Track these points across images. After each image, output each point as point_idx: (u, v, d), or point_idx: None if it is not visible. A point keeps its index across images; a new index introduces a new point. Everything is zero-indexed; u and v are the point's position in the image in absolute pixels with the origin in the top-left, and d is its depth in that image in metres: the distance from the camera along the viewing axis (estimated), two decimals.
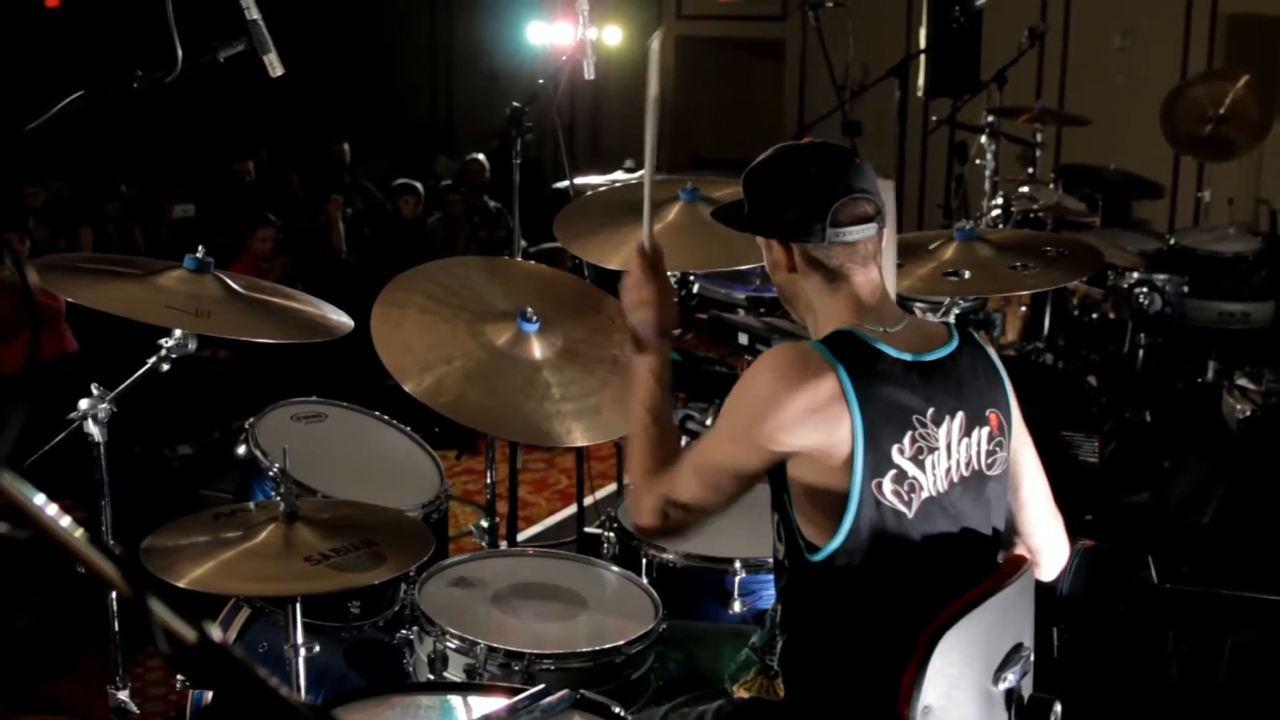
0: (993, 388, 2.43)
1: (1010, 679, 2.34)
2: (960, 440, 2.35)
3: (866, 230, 2.37)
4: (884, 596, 2.30)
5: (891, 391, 2.28)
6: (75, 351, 6.33)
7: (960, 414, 2.35)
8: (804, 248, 2.37)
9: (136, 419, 3.16)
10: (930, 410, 2.31)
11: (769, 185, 2.42)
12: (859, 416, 2.23)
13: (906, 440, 2.28)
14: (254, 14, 2.65)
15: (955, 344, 2.40)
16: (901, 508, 2.29)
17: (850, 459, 2.24)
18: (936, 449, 2.31)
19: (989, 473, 2.41)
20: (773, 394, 2.27)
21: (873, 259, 2.41)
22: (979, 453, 2.38)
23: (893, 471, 2.27)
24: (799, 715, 2.40)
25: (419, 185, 9.21)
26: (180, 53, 2.53)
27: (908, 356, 2.32)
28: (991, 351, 2.48)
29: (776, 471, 2.34)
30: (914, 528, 2.30)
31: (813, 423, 2.25)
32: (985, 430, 2.39)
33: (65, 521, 1.11)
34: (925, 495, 2.31)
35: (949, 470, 2.33)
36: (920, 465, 2.30)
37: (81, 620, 4.71)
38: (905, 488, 2.29)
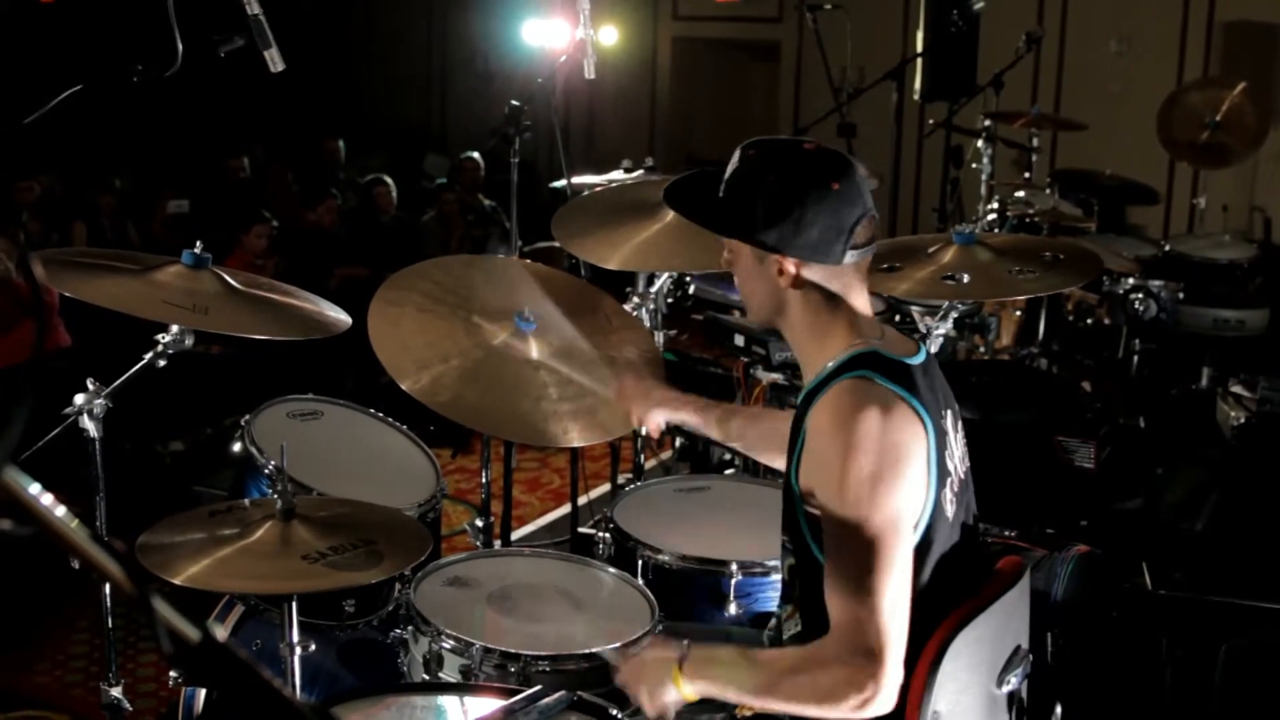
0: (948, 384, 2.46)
1: (1013, 681, 2.35)
2: (957, 436, 2.37)
3: (872, 250, 2.35)
4: (925, 603, 2.26)
5: (929, 399, 2.27)
6: (68, 347, 6.31)
7: (949, 412, 2.36)
8: (814, 267, 2.30)
9: (127, 414, 3.14)
10: (941, 411, 2.32)
11: (783, 194, 2.27)
12: (933, 431, 2.22)
13: (951, 443, 2.30)
14: (255, 9, 2.64)
15: (925, 349, 2.40)
16: (950, 512, 2.29)
17: (928, 475, 2.22)
18: (953, 448, 2.33)
19: (968, 462, 2.44)
20: (879, 448, 2.17)
21: (865, 276, 2.38)
22: (964, 445, 2.42)
23: (950, 478, 2.28)
24: None
25: (388, 178, 9.17)
26: (180, 47, 2.51)
27: (913, 361, 2.32)
28: None
29: (794, 498, 2.31)
30: (952, 530, 2.32)
31: (919, 449, 2.20)
32: (961, 422, 2.42)
33: (68, 519, 1.10)
34: (958, 493, 2.33)
35: (958, 466, 2.35)
36: (955, 466, 2.32)
37: (74, 616, 4.71)
38: (954, 491, 2.30)
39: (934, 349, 3.52)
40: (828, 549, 2.21)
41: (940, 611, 2.25)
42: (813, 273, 2.31)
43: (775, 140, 2.42)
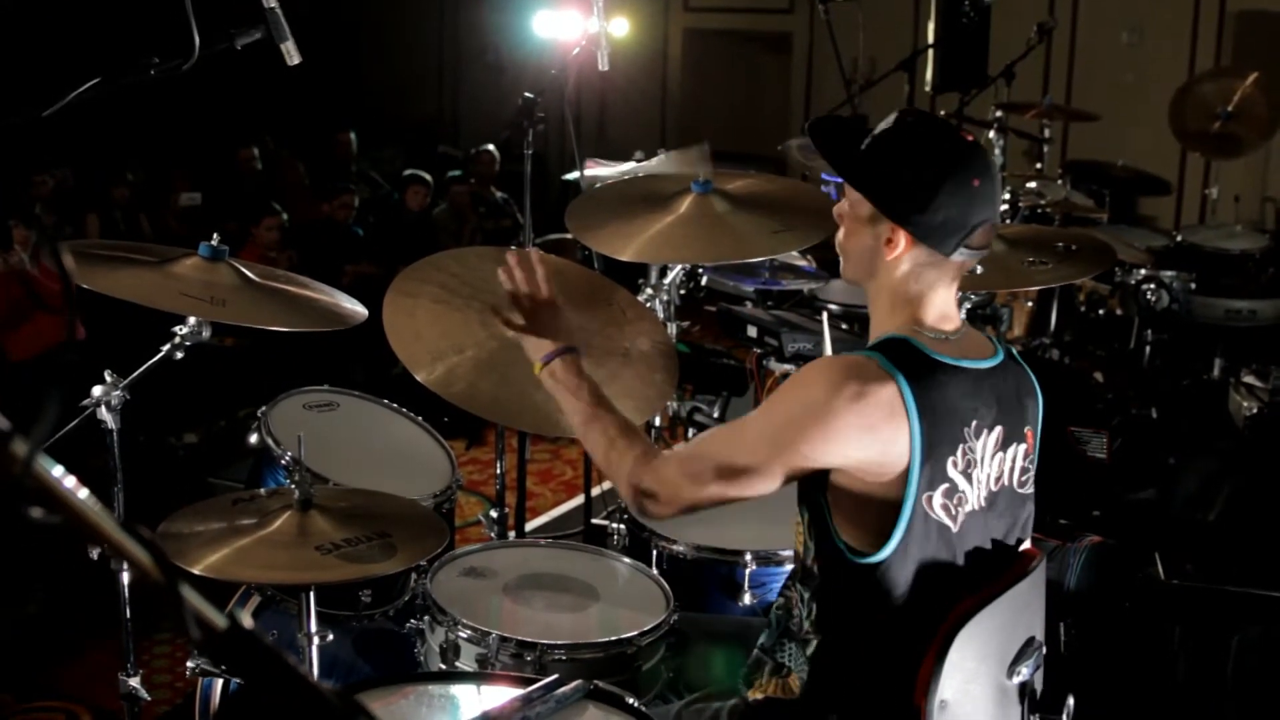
0: (1031, 406, 2.43)
1: (1024, 673, 2.34)
2: (994, 455, 2.34)
3: (980, 255, 2.34)
4: (918, 605, 2.28)
5: (949, 402, 2.25)
6: (82, 339, 6.33)
7: (999, 428, 2.33)
8: (922, 249, 2.30)
9: (141, 406, 3.16)
10: (975, 421, 2.30)
11: (927, 172, 2.27)
12: (918, 430, 2.20)
13: (959, 452, 2.27)
14: (271, 1, 2.64)
15: (1001, 357, 2.38)
16: (947, 521, 2.28)
17: (906, 472, 2.22)
18: (978, 463, 2.31)
19: (1020, 490, 2.41)
20: (826, 408, 2.21)
21: (959, 276, 2.38)
22: (1012, 469, 2.38)
23: (945, 485, 2.26)
24: (816, 711, 2.39)
25: (428, 177, 9.17)
26: (198, 40, 2.52)
27: (963, 363, 2.30)
28: (1029, 370, 2.47)
29: (814, 474, 2.31)
30: (955, 541, 2.30)
31: (866, 440, 2.21)
32: (1022, 448, 2.39)
33: (97, 507, 1.11)
34: (968, 509, 2.30)
35: (985, 484, 2.33)
36: (968, 479, 2.29)
37: (90, 607, 4.73)
38: (954, 501, 2.27)
39: None
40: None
41: (935, 613, 2.26)
42: (918, 254, 2.31)
43: (936, 117, 2.43)
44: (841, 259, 2.47)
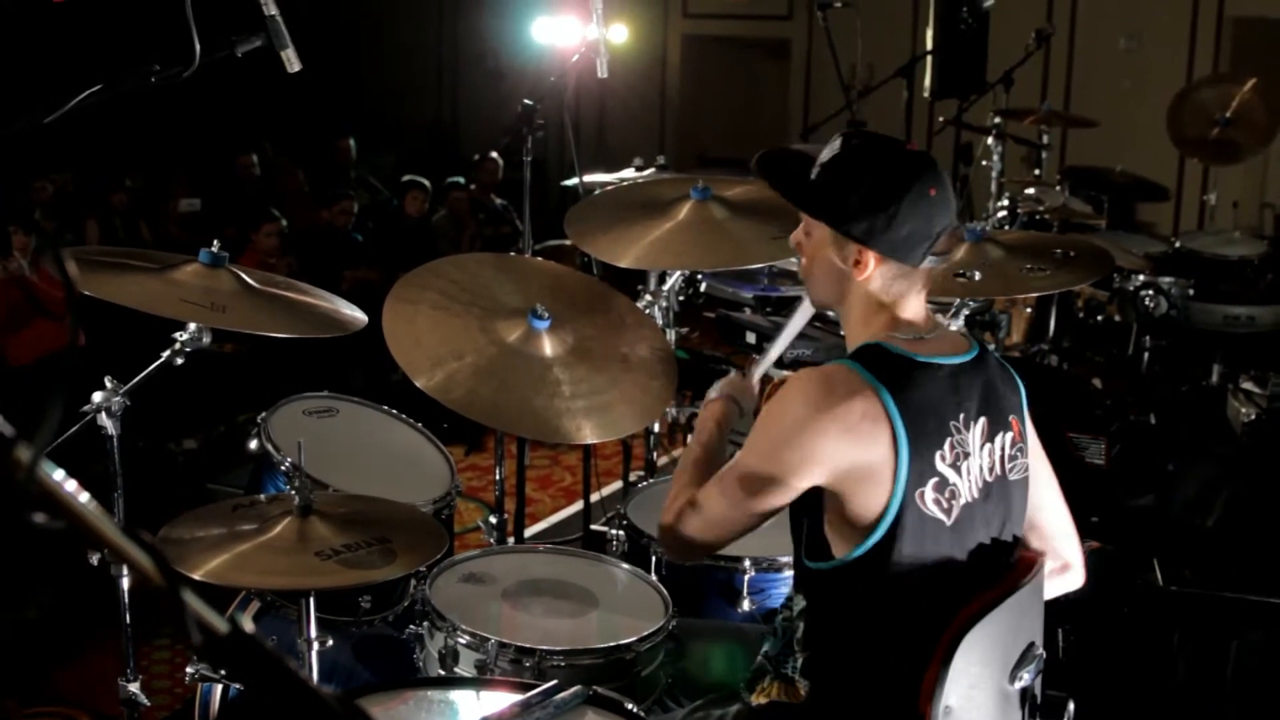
0: (1012, 395, 2.45)
1: (1025, 678, 2.35)
2: (983, 445, 2.36)
3: (946, 260, 2.38)
4: (915, 602, 2.30)
5: (931, 399, 2.29)
6: (81, 345, 6.33)
7: (983, 419, 2.36)
8: (890, 264, 2.33)
9: (142, 412, 3.16)
10: (961, 415, 2.32)
11: (883, 190, 2.29)
12: (902, 429, 2.23)
13: (947, 446, 2.29)
14: (272, 9, 2.64)
15: (976, 351, 2.41)
16: (941, 516, 2.29)
17: (894, 472, 2.24)
18: (969, 454, 2.33)
19: (1010, 478, 2.42)
20: (804, 422, 2.27)
21: (929, 282, 2.41)
22: (1001, 458, 2.40)
23: (935, 480, 2.28)
24: (821, 715, 2.40)
25: (427, 182, 9.18)
26: (198, 47, 2.52)
27: (939, 360, 2.33)
28: (1006, 363, 2.50)
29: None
30: (951, 535, 2.32)
31: (847, 441, 2.24)
32: (1009, 436, 2.41)
33: (98, 512, 1.12)
34: (963, 501, 2.32)
35: (979, 475, 2.35)
36: (959, 471, 2.31)
37: (90, 612, 4.73)
38: (946, 495, 2.29)
39: None
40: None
41: (950, 610, 2.26)
42: (887, 269, 2.34)
43: (878, 135, 2.43)
44: (808, 285, 2.51)
